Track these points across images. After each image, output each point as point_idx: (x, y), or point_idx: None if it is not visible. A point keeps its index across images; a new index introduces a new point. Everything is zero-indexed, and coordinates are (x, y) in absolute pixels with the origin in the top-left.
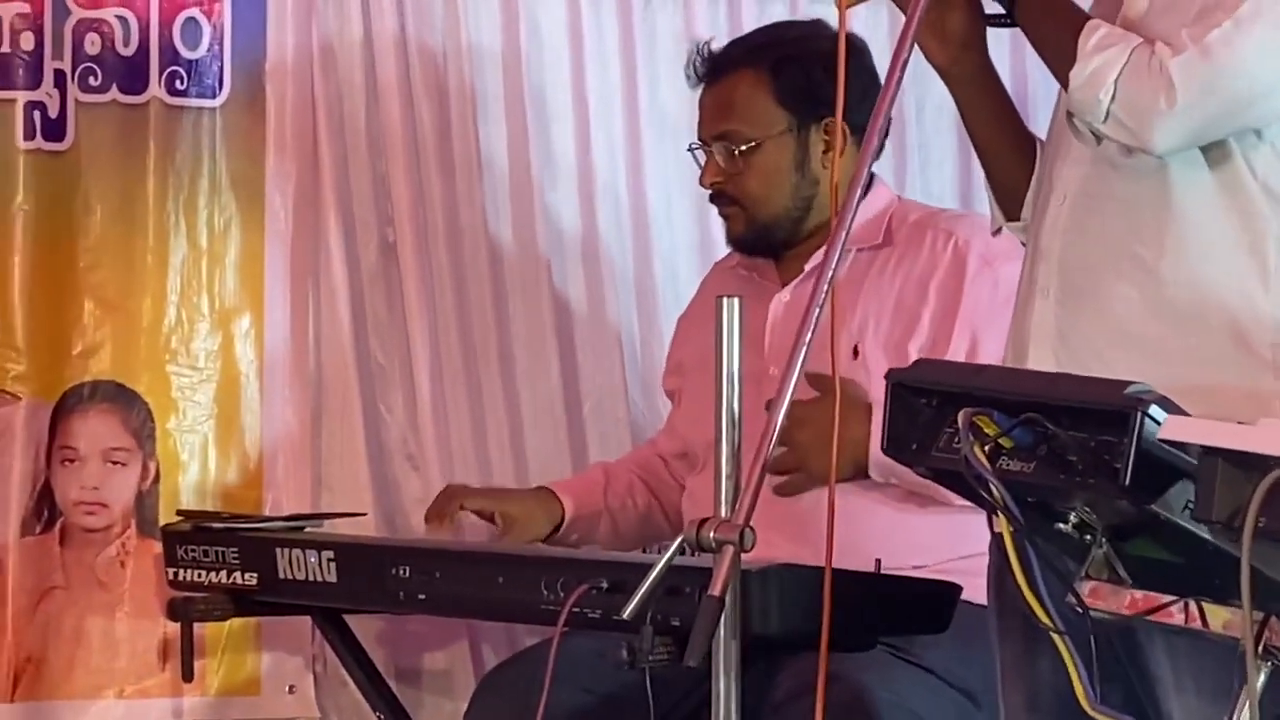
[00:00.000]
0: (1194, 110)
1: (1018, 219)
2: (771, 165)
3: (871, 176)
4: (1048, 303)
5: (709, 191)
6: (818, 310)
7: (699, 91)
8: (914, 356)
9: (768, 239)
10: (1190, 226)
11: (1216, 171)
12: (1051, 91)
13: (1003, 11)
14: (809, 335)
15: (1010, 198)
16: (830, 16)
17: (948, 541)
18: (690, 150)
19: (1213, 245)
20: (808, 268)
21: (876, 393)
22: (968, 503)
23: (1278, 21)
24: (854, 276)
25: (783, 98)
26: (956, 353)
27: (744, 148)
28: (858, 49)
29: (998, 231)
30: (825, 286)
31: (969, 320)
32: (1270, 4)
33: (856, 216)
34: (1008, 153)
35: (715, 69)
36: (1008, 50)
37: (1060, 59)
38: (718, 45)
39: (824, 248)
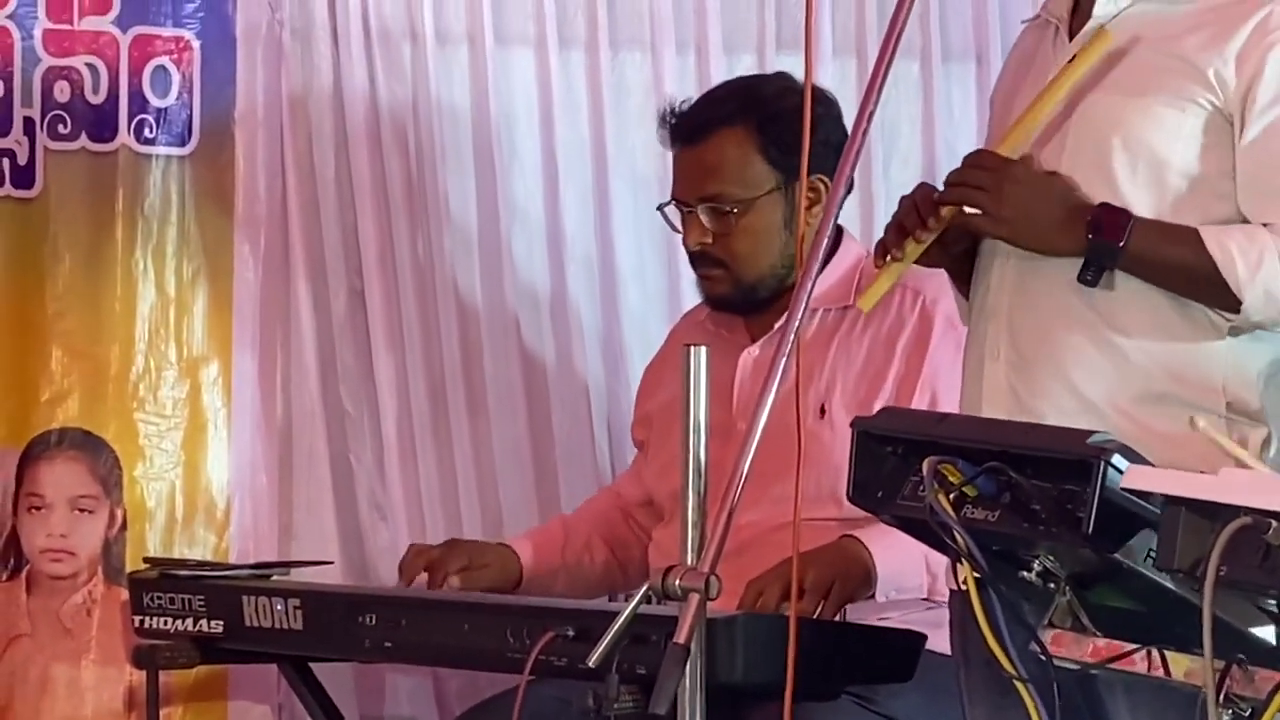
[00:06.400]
0: None
1: None
2: (762, 224)
3: (840, 232)
4: (998, 365)
5: (691, 252)
6: (780, 367)
7: (674, 151)
8: None
9: (752, 298)
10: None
11: None
12: (964, 134)
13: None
14: (772, 393)
15: None
16: (795, 69)
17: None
18: (660, 209)
19: (1160, 295)
20: (778, 325)
21: (841, 451)
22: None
23: None
24: (822, 336)
25: (771, 155)
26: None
27: (735, 209)
28: (829, 101)
29: None
30: (789, 344)
31: (930, 380)
32: None
33: (826, 276)
34: None
35: (696, 130)
36: (918, 92)
37: (1197, 282)
38: (690, 105)
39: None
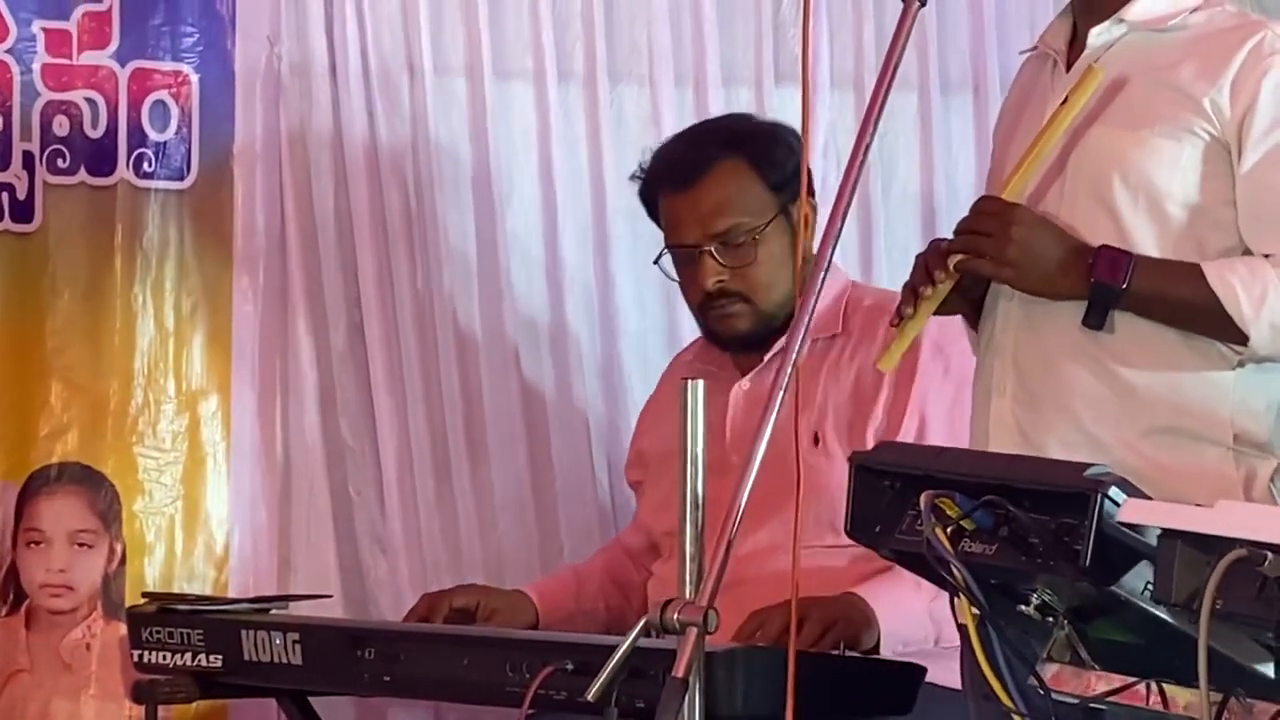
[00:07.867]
0: None
1: None
2: (777, 251)
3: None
4: (1004, 400)
5: (707, 293)
6: (779, 397)
7: (664, 200)
8: (870, 441)
9: (770, 328)
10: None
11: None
12: (961, 165)
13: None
14: (770, 423)
15: None
16: (793, 101)
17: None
18: (657, 262)
19: (1165, 328)
20: (767, 357)
21: (838, 478)
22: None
23: None
24: (812, 364)
25: (769, 181)
26: (906, 435)
27: (752, 239)
28: (798, 133)
29: None
30: (787, 373)
31: (919, 404)
32: None
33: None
34: None
35: (690, 171)
36: (916, 124)
37: (1202, 319)
38: (667, 154)
39: (786, 334)
